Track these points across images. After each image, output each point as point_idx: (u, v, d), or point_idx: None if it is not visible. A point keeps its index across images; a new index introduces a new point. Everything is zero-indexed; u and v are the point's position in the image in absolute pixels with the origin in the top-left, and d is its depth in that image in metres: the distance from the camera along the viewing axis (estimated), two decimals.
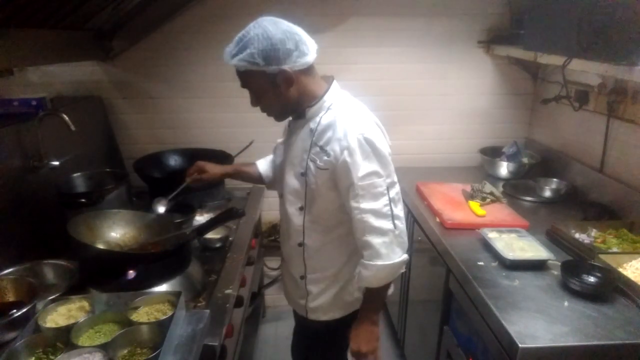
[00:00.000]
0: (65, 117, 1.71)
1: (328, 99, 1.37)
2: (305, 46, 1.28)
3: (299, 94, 1.33)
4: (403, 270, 1.39)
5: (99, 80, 2.52)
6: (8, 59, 1.59)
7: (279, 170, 1.53)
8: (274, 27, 1.25)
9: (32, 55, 1.74)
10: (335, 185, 1.34)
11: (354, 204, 1.31)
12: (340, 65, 2.54)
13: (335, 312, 1.53)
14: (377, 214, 1.30)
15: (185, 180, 1.69)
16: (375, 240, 1.30)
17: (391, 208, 1.31)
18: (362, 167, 1.27)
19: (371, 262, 1.32)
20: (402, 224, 1.34)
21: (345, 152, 1.28)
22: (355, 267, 1.39)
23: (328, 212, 1.41)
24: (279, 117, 1.45)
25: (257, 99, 1.36)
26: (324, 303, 1.52)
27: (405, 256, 1.35)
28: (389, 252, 1.31)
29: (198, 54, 2.47)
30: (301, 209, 1.43)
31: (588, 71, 1.76)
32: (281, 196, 1.51)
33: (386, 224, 1.30)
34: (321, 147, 1.34)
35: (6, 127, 1.67)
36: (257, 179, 1.73)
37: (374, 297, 1.42)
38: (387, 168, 1.32)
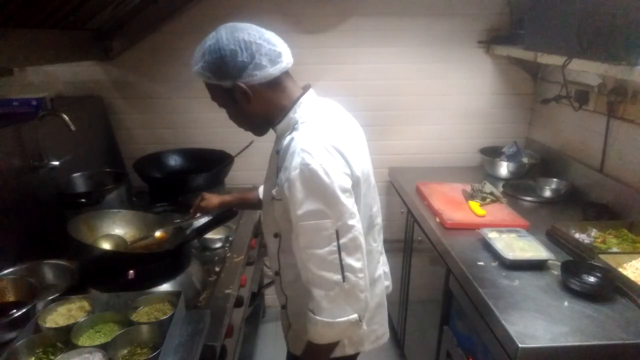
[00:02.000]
0: (65, 117, 1.71)
1: (296, 115, 1.20)
2: (266, 57, 1.13)
3: (264, 110, 1.20)
4: (359, 330, 1.19)
5: (99, 80, 2.52)
6: (8, 59, 1.59)
7: None
8: (229, 36, 1.12)
9: (32, 55, 1.74)
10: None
11: (295, 243, 1.13)
12: (340, 65, 2.54)
13: None
14: (320, 261, 1.09)
15: (191, 213, 1.66)
16: (317, 292, 1.12)
17: (340, 257, 1.09)
18: (303, 204, 1.07)
19: (312, 314, 1.14)
20: (355, 277, 1.11)
21: (286, 185, 1.09)
22: None
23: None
24: (255, 132, 1.30)
25: (227, 113, 1.26)
26: (302, 337, 1.35)
27: (353, 316, 1.13)
28: (332, 308, 1.12)
29: None
30: (276, 236, 1.29)
31: (588, 71, 1.76)
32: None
33: (331, 275, 1.09)
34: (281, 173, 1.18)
35: (6, 127, 1.67)
36: (258, 204, 1.61)
37: (314, 353, 1.23)
38: (337, 208, 1.08)
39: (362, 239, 1.13)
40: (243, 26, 1.16)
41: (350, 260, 1.11)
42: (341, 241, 1.09)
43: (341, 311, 1.13)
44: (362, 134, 1.36)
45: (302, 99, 1.21)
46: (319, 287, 1.12)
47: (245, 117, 1.23)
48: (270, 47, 1.14)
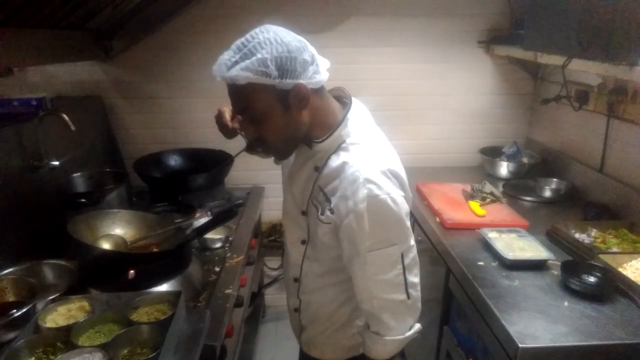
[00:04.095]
0: (65, 117, 1.71)
1: (343, 132, 1.11)
2: (320, 61, 1.08)
3: (310, 120, 1.10)
4: (417, 335, 1.21)
5: (99, 80, 2.52)
6: (8, 59, 1.59)
7: (283, 185, 1.33)
8: (286, 33, 1.03)
9: (32, 55, 1.74)
10: (338, 239, 1.13)
11: (359, 272, 1.11)
12: (340, 65, 2.53)
13: (329, 353, 1.38)
14: (387, 286, 1.10)
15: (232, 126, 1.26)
16: (385, 315, 1.13)
17: (405, 277, 1.11)
18: (372, 236, 1.05)
19: (379, 336, 1.15)
20: (416, 292, 1.14)
21: (351, 216, 1.05)
22: (351, 309, 1.28)
23: (330, 258, 1.21)
24: (283, 152, 1.19)
25: (258, 126, 1.08)
26: (316, 340, 1.38)
27: (417, 326, 1.18)
28: (399, 325, 1.15)
29: (198, 54, 2.47)
30: (303, 242, 1.26)
31: (588, 71, 1.76)
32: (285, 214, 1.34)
33: (398, 296, 1.11)
34: (325, 195, 1.12)
35: (6, 127, 1.67)
36: None
37: None
38: (403, 233, 1.09)
39: (417, 254, 1.15)
40: (284, 28, 1.06)
41: (411, 277, 1.13)
42: (405, 262, 1.10)
43: (407, 325, 1.16)
44: None
45: (349, 115, 1.13)
46: (387, 310, 1.13)
47: (290, 128, 1.09)
48: (316, 53, 1.09)
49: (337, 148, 1.12)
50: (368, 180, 1.04)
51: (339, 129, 1.11)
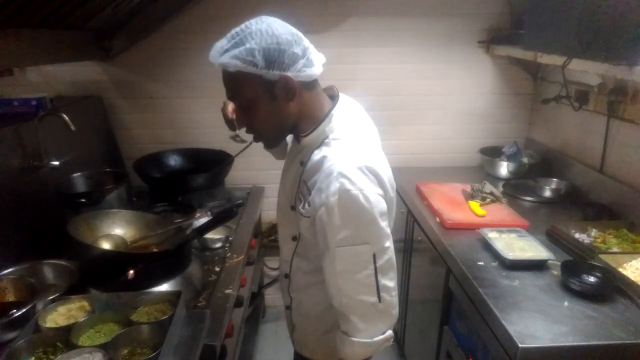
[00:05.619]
0: (65, 117, 1.71)
1: (327, 128, 1.13)
2: (313, 56, 1.09)
3: (298, 113, 1.12)
4: (389, 344, 1.19)
5: (99, 80, 2.52)
6: (8, 59, 1.59)
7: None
8: (280, 25, 1.06)
9: (32, 55, 1.74)
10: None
11: (329, 268, 1.10)
12: (340, 65, 2.54)
13: (320, 354, 1.37)
14: (357, 285, 1.08)
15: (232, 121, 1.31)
16: (353, 315, 1.11)
17: (376, 279, 1.08)
18: (342, 230, 1.04)
19: (347, 336, 1.13)
20: (390, 296, 1.12)
21: (323, 209, 1.05)
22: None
23: (316, 255, 1.19)
24: (271, 141, 1.21)
25: (247, 113, 1.12)
26: (307, 340, 1.39)
27: (389, 333, 1.16)
28: (368, 328, 1.12)
29: (198, 54, 2.47)
30: (294, 239, 1.26)
31: (588, 71, 1.76)
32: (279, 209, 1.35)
33: (368, 298, 1.09)
34: (308, 189, 1.13)
35: (6, 127, 1.67)
36: None
37: None
38: (375, 233, 1.06)
39: (394, 258, 1.13)
40: (283, 22, 1.09)
41: (385, 281, 1.10)
42: (378, 264, 1.08)
43: (377, 330, 1.14)
44: (378, 136, 1.30)
45: (333, 111, 1.14)
46: (356, 311, 1.11)
47: (276, 118, 1.12)
48: (312, 48, 1.10)
49: (321, 143, 1.14)
50: (341, 175, 1.03)
51: (323, 124, 1.13)
